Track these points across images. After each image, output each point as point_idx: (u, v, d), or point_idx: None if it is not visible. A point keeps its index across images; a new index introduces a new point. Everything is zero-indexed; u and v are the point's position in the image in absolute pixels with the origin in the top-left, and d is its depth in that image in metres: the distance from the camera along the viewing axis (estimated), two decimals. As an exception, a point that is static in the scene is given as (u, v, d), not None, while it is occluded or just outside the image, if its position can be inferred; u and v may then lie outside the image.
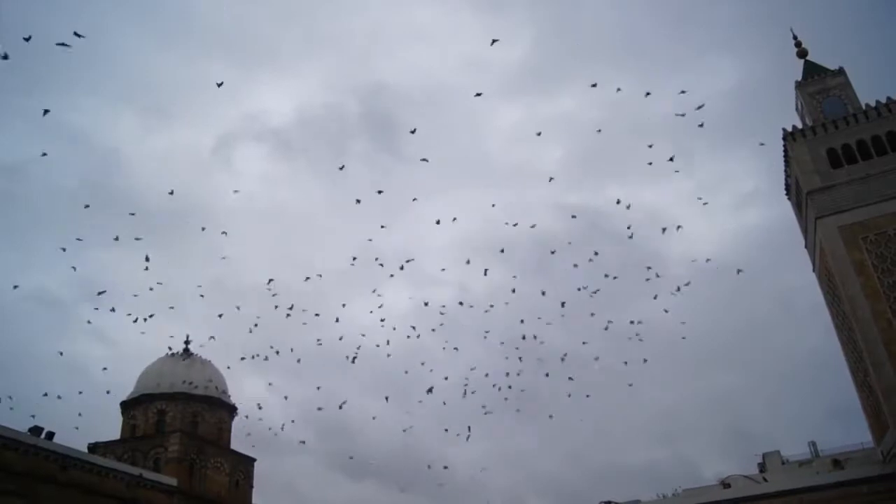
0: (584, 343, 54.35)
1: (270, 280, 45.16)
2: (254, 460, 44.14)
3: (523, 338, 53.18)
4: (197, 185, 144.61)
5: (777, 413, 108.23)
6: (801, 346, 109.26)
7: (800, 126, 53.82)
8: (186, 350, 47.63)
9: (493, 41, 40.26)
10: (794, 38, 59.41)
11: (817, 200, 49.51)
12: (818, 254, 52.18)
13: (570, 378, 53.46)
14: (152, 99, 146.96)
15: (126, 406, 46.20)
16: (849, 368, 51.97)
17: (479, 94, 45.43)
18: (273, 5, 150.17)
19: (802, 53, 58.53)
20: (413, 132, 44.09)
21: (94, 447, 40.86)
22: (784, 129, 52.88)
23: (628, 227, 49.29)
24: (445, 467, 60.10)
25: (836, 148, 50.42)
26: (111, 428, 49.44)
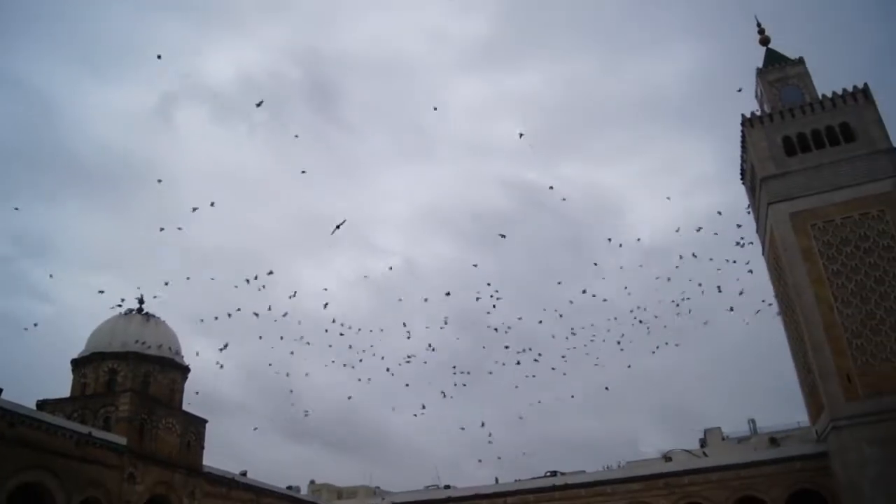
0: (519, 318, 55.11)
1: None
2: (206, 421, 44.12)
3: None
4: (139, 143, 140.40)
5: (719, 391, 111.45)
6: (745, 327, 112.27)
7: (758, 112, 54.88)
8: (140, 309, 47.19)
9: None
10: (758, 24, 60.30)
11: (771, 186, 50.77)
12: (768, 238, 53.64)
13: (506, 347, 54.23)
14: (95, 52, 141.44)
15: (77, 364, 45.62)
16: (790, 350, 53.86)
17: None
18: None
19: (765, 41, 59.44)
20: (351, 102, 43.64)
21: (42, 404, 40.38)
22: (743, 115, 53.91)
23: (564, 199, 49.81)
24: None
25: (791, 136, 51.59)
26: (61, 386, 48.97)
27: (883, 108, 50.26)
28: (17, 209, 69.20)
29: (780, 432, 59.90)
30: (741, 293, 49.57)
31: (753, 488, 48.17)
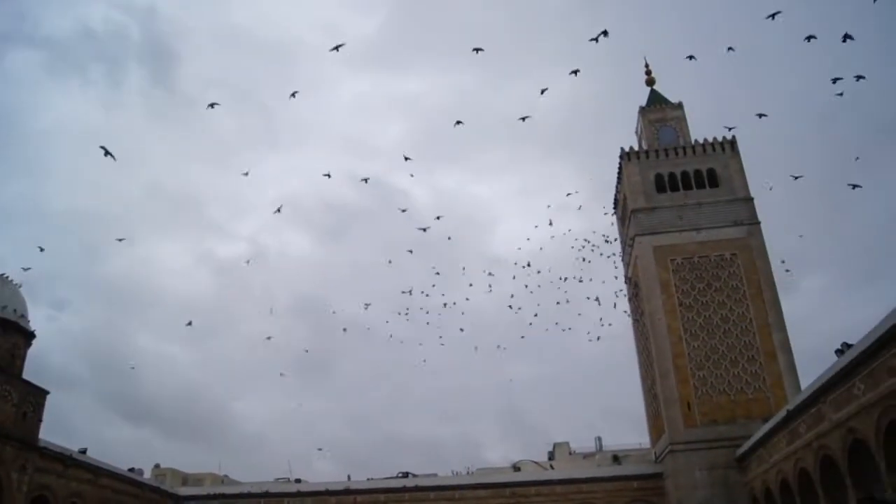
0: (368, 305, 55.50)
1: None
2: (47, 393, 41.35)
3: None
4: None
5: (571, 408, 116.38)
6: (599, 349, 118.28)
7: (636, 148, 58.03)
8: (-14, 266, 43.78)
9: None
10: (646, 66, 63.72)
11: (640, 219, 53.78)
12: (631, 267, 56.72)
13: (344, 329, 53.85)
14: None
15: None
16: (640, 374, 57.12)
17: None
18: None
19: (651, 82, 62.94)
20: (293, 95, 41.07)
21: None
22: (622, 149, 56.86)
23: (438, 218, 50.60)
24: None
25: (663, 174, 54.91)
26: None
27: (746, 159, 54.60)
28: None
29: (623, 451, 63.26)
30: (578, 313, 51.80)
31: (594, 502, 50.62)
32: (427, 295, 52.32)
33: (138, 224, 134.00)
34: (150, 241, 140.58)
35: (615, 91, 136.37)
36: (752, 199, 52.76)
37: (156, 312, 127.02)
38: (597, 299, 50.66)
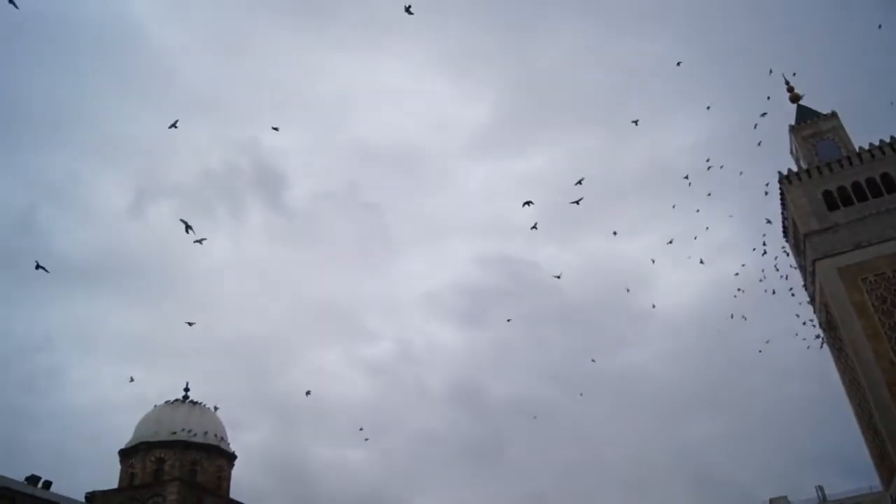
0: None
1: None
2: (253, 509, 43.48)
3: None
4: (116, 239, 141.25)
5: (780, 459, 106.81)
6: (797, 389, 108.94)
7: (795, 169, 54.39)
8: (185, 397, 47.31)
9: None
10: (787, 83, 60.35)
11: (815, 242, 49.76)
12: (818, 295, 52.22)
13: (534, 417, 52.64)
14: (80, 148, 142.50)
15: (124, 454, 45.69)
16: (853, 411, 51.56)
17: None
18: (247, 69, 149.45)
19: (795, 98, 59.47)
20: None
21: (91, 496, 40.33)
22: (780, 173, 53.44)
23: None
24: None
25: (832, 190, 50.90)
26: (109, 476, 48.94)
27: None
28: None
29: (853, 498, 56.89)
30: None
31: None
32: (594, 361, 50.55)
33: (293, 339, 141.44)
34: (307, 353, 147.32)
35: (752, 118, 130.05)
36: (939, 197, 47.58)
37: (326, 420, 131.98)
38: (797, 335, 46.67)
